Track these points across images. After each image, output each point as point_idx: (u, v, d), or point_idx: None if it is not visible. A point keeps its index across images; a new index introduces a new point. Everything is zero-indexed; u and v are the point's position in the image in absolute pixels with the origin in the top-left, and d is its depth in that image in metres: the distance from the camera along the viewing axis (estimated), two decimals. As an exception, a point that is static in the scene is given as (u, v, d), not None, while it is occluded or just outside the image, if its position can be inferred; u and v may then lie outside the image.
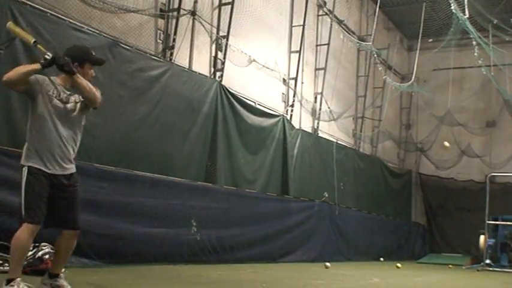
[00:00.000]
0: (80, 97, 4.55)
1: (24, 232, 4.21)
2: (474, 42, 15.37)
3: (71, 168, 4.54)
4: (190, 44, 11.01)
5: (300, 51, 14.45)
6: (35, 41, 4.46)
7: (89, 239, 7.45)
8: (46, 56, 4.32)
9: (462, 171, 20.92)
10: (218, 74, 11.61)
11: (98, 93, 4.55)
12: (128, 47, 9.12)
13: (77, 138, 4.61)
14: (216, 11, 11.71)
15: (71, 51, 4.61)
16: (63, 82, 4.52)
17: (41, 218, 4.32)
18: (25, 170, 4.34)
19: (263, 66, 13.09)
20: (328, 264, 10.93)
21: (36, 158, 4.37)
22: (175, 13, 10.37)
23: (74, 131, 4.56)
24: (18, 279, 4.21)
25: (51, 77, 4.54)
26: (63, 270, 4.73)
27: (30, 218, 4.24)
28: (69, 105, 4.50)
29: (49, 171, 4.37)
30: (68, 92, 4.52)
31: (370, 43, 16.76)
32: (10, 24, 4.71)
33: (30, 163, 4.35)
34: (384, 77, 18.03)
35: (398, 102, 22.07)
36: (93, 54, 4.70)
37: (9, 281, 4.20)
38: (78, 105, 4.56)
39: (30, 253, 6.28)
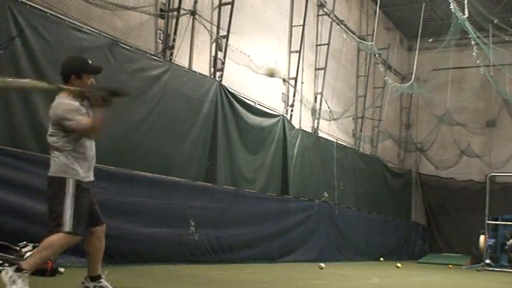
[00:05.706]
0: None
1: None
2: (473, 42, 15.37)
3: None
4: (190, 43, 11.00)
5: (300, 51, 14.44)
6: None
7: (89, 239, 7.45)
8: (105, 98, 4.48)
9: (462, 171, 20.91)
10: (218, 73, 11.61)
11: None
12: (127, 47, 9.11)
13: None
14: (216, 10, 11.70)
15: (67, 64, 4.63)
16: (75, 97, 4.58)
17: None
18: (72, 183, 4.44)
19: (263, 66, 13.07)
20: (322, 264, 10.90)
21: (79, 171, 4.49)
22: (175, 13, 10.36)
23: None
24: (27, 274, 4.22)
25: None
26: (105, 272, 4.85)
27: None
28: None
29: (87, 180, 4.57)
30: (86, 104, 4.62)
31: (370, 43, 16.76)
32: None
33: (77, 177, 4.46)
34: (385, 78, 18.01)
35: (398, 102, 22.07)
36: (90, 63, 4.67)
37: (19, 269, 4.20)
38: None
39: (30, 253, 6.27)
